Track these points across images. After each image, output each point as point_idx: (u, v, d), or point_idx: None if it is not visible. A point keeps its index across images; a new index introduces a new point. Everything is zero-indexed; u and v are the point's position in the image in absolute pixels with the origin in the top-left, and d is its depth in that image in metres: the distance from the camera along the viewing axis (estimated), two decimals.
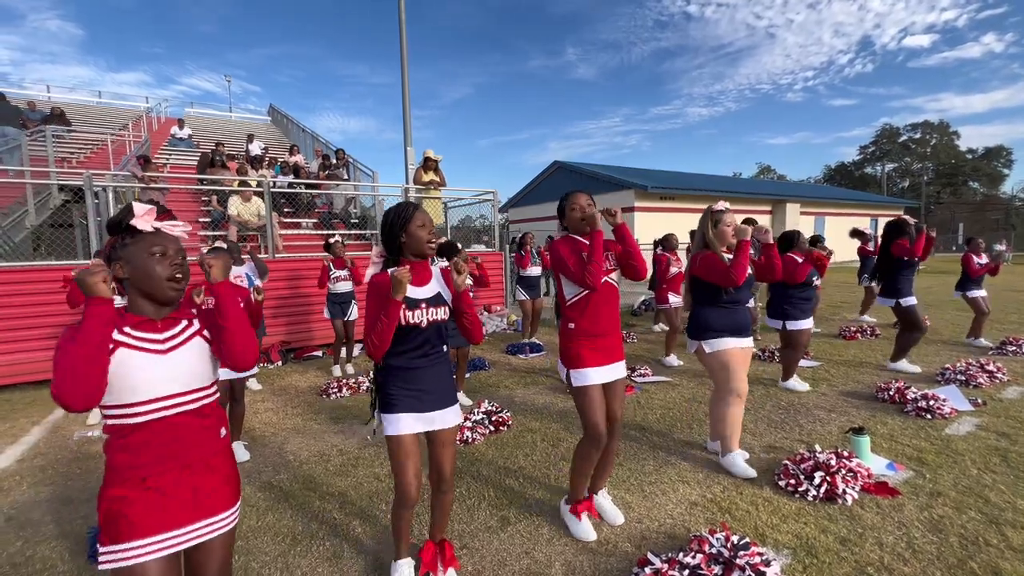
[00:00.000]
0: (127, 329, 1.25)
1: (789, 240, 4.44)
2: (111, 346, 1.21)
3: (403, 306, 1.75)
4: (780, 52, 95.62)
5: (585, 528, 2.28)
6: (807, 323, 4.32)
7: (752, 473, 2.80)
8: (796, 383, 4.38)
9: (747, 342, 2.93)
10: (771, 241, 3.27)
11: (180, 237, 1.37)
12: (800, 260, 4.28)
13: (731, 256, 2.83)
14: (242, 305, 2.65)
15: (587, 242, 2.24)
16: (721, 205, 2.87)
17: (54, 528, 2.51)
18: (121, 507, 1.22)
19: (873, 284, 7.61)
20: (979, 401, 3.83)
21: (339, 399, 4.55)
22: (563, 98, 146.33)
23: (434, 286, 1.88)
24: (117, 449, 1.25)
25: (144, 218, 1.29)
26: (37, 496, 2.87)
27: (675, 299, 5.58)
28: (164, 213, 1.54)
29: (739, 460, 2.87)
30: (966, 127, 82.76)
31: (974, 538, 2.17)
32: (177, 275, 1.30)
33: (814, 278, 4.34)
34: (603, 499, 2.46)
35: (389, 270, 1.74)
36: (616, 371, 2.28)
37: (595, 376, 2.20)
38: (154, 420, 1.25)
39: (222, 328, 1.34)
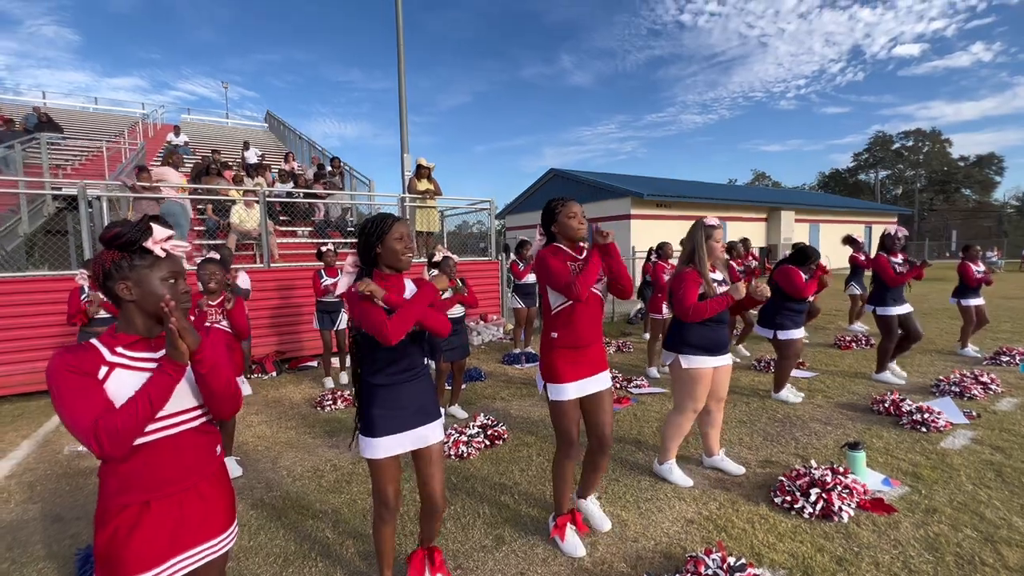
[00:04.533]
0: (120, 349, 1.22)
1: (803, 256, 4.29)
2: (107, 369, 1.19)
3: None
4: (772, 61, 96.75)
5: (572, 544, 2.28)
6: (798, 332, 4.32)
7: (689, 482, 2.90)
8: (789, 394, 4.38)
9: (724, 359, 2.92)
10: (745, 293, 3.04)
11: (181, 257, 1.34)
12: (805, 276, 4.19)
13: (715, 276, 2.84)
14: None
15: (574, 253, 2.29)
16: (712, 220, 2.88)
17: (42, 548, 2.47)
18: (120, 540, 1.19)
19: (859, 292, 7.70)
20: (973, 414, 3.84)
21: (333, 411, 4.52)
22: (559, 105, 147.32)
23: (409, 294, 1.86)
24: (114, 474, 1.21)
25: (164, 244, 1.25)
26: (25, 514, 2.82)
27: (668, 310, 5.58)
28: (155, 220, 1.45)
29: (676, 469, 2.95)
30: (957, 135, 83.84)
31: (970, 557, 2.17)
32: (184, 299, 1.29)
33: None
34: (591, 504, 2.46)
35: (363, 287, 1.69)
36: (599, 382, 2.29)
37: (572, 391, 2.22)
38: (153, 441, 1.22)
39: (203, 381, 1.29)
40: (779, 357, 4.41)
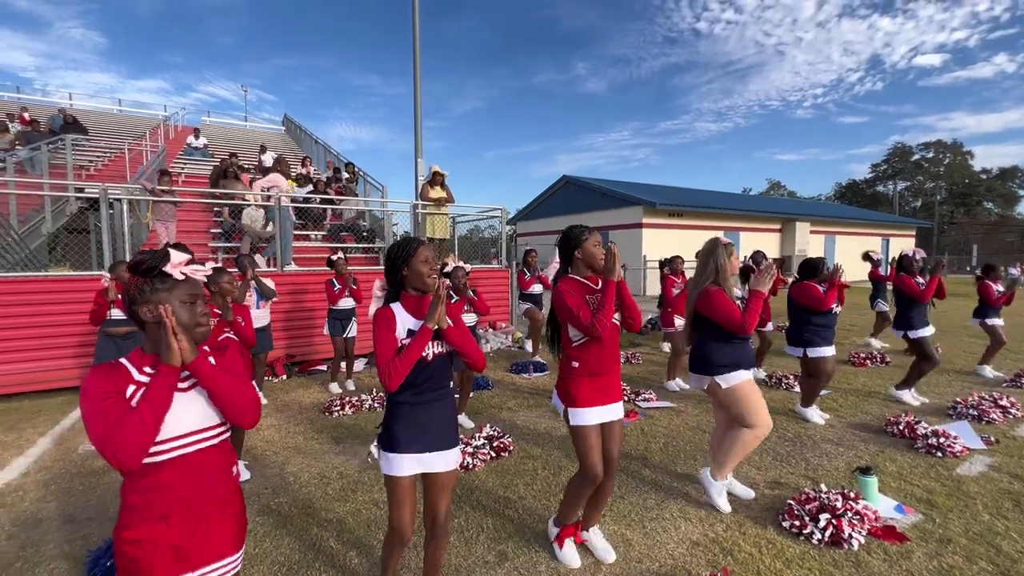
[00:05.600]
0: (147, 369, 1.27)
1: (812, 269, 4.26)
2: (134, 388, 1.23)
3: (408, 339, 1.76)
4: (789, 69, 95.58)
5: (569, 554, 2.31)
6: (830, 350, 4.16)
7: (727, 508, 2.81)
8: (813, 413, 4.28)
9: (752, 374, 2.88)
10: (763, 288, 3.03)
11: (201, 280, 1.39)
12: (822, 289, 4.10)
13: (740, 295, 2.81)
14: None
15: (591, 284, 2.28)
16: (726, 239, 2.88)
17: (54, 548, 2.52)
18: (138, 553, 1.23)
19: (887, 309, 7.56)
20: (991, 439, 3.74)
21: (341, 417, 4.55)
22: (572, 111, 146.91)
23: None
24: (134, 491, 1.25)
25: (182, 267, 1.31)
26: (39, 513, 2.88)
27: (681, 322, 5.53)
28: (185, 252, 1.61)
29: (725, 495, 2.87)
30: (979, 147, 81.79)
31: None
32: (204, 321, 1.33)
33: (834, 305, 4.18)
34: (594, 535, 2.43)
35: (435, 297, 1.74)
36: (614, 412, 2.29)
37: (593, 416, 2.22)
38: (174, 459, 1.26)
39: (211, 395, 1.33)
40: (810, 375, 4.26)
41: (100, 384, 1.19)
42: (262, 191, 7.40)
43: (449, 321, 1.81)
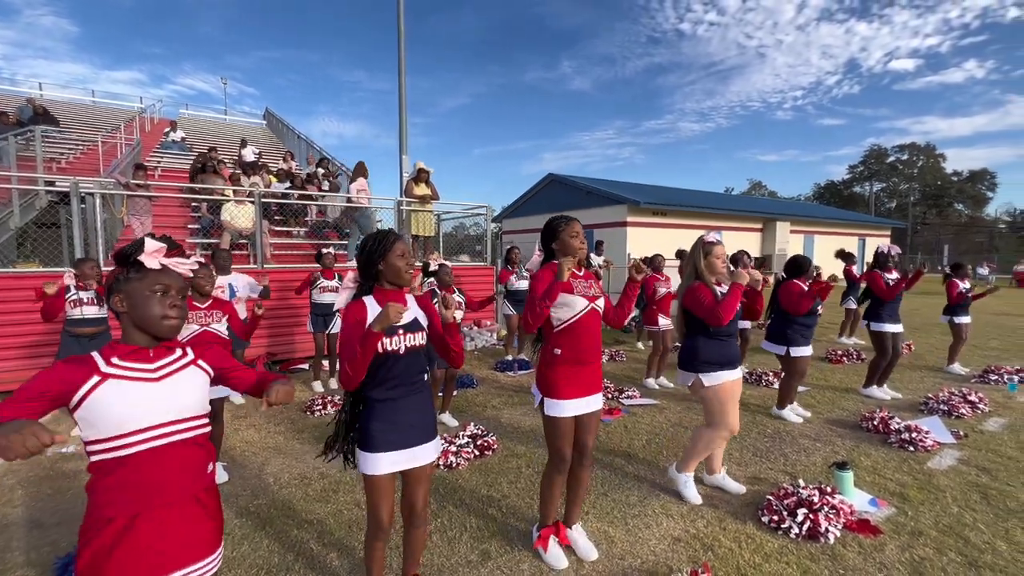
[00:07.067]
0: (116, 360, 1.23)
1: (798, 267, 4.30)
2: (98, 379, 1.19)
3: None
4: (770, 71, 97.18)
5: (555, 555, 2.31)
6: (808, 349, 4.22)
7: (698, 500, 2.88)
8: (791, 413, 4.33)
9: (738, 373, 2.93)
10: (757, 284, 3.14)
11: (184, 274, 1.35)
12: (805, 288, 4.12)
13: (721, 289, 2.84)
14: (225, 323, 2.60)
15: (573, 272, 2.28)
16: (712, 236, 2.89)
17: (21, 555, 2.43)
18: (102, 560, 1.18)
19: (854, 307, 7.76)
20: (961, 433, 3.86)
21: (323, 416, 4.49)
22: (558, 110, 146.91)
23: (411, 312, 1.85)
24: (103, 488, 1.20)
25: (153, 255, 1.28)
26: (5, 518, 2.78)
27: (664, 321, 5.56)
28: (174, 249, 1.53)
29: (692, 485, 2.95)
30: (951, 149, 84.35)
31: None
32: (173, 314, 1.29)
33: (817, 304, 4.22)
34: (577, 533, 2.44)
35: (387, 304, 1.66)
36: (592, 403, 2.29)
37: (569, 408, 2.22)
38: (145, 451, 1.21)
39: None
40: (786, 374, 4.33)
41: (56, 376, 1.17)
42: (356, 193, 7.88)
43: (456, 316, 1.82)
